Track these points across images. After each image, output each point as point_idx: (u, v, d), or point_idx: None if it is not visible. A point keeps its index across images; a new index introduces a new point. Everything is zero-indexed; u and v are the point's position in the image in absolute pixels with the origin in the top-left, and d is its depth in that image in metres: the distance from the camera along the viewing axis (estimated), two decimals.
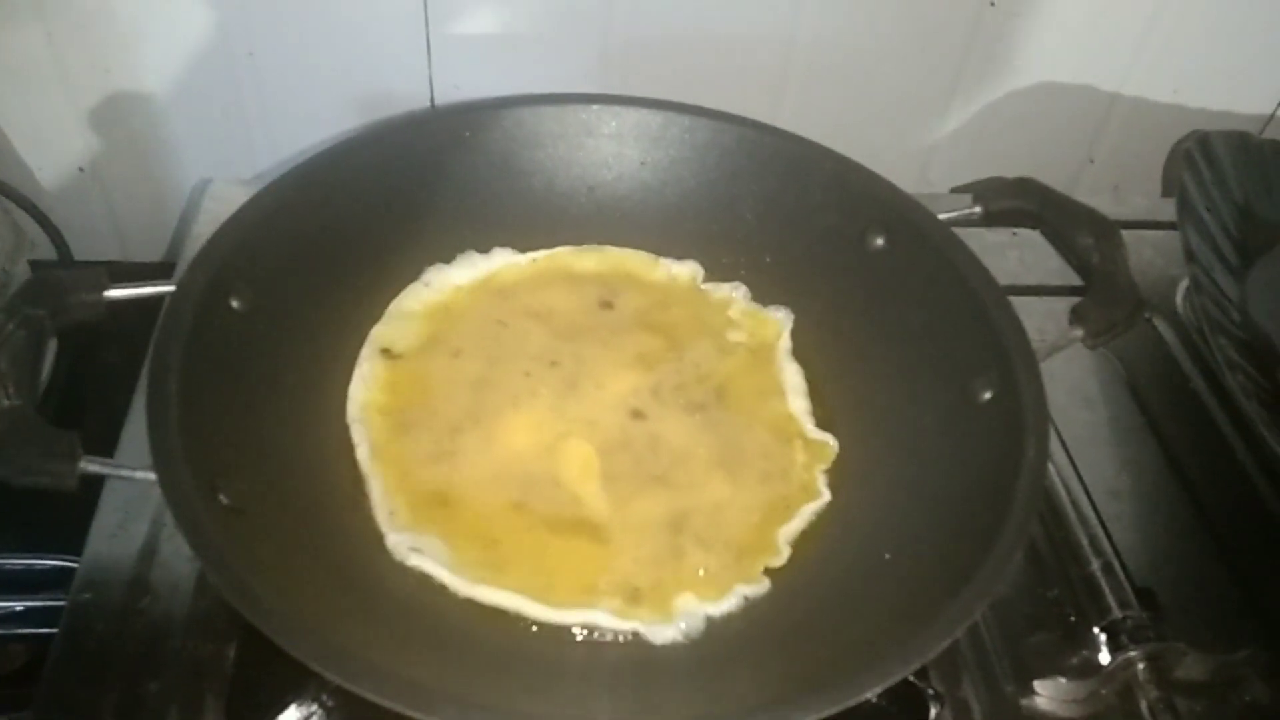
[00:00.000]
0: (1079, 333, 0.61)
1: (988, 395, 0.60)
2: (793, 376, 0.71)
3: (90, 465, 0.50)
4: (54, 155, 0.89)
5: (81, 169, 0.90)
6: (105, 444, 0.64)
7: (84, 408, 0.68)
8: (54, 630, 0.59)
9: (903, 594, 0.54)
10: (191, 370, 0.54)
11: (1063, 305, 0.83)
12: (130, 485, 0.63)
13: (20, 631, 0.67)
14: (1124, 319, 0.60)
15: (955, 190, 0.96)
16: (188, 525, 0.48)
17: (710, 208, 0.75)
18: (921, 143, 0.97)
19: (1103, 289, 0.62)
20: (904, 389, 0.65)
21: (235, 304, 0.60)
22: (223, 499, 0.51)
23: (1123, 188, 1.01)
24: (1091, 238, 0.63)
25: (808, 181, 0.72)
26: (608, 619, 0.57)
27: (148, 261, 0.97)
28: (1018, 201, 0.67)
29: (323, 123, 0.88)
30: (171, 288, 0.58)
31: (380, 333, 0.70)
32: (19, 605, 0.67)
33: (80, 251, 0.94)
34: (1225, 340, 0.71)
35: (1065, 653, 0.63)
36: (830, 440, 0.67)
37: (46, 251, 0.91)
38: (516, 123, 0.73)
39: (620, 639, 0.57)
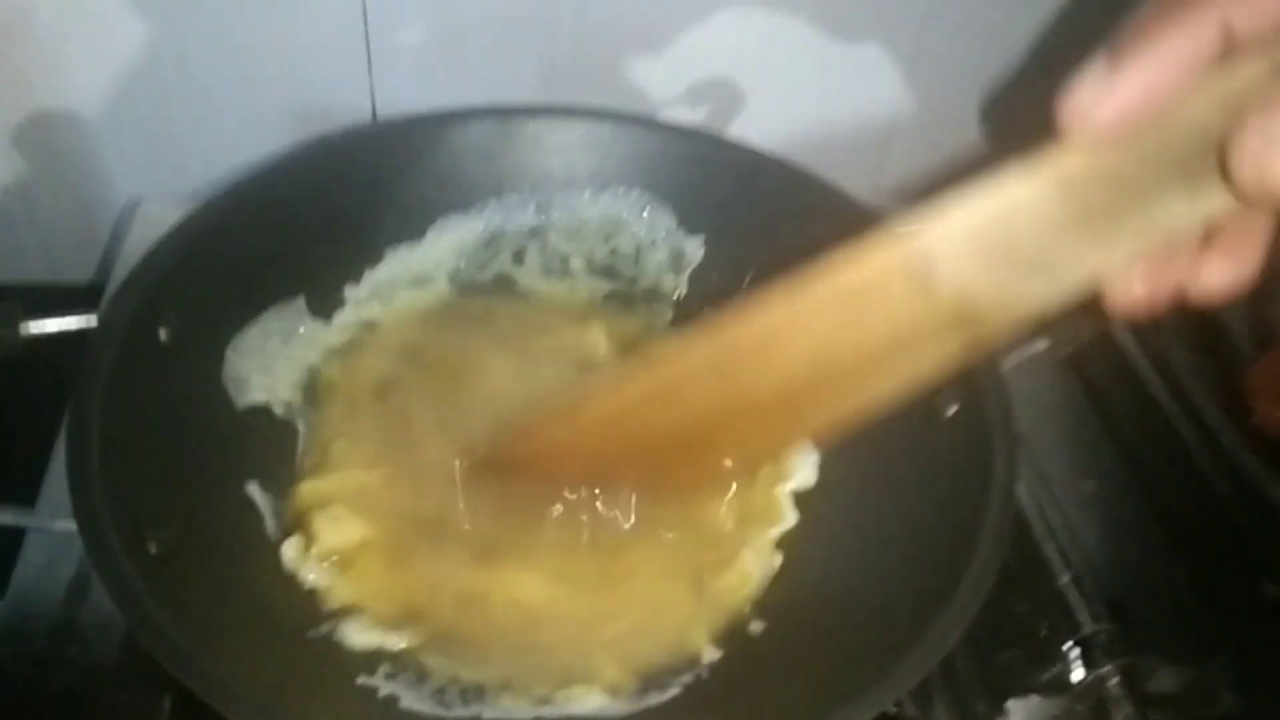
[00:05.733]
0: (1043, 343, 0.59)
1: (953, 409, 0.58)
2: None
3: (3, 517, 0.46)
4: None
5: (6, 189, 0.86)
6: (28, 486, 0.60)
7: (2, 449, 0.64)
8: None
9: (876, 623, 0.52)
10: (115, 411, 0.51)
11: None
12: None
13: None
14: (1089, 329, 0.58)
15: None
16: (112, 581, 0.44)
17: None
18: (875, 147, 0.95)
19: None
20: None
21: (164, 335, 0.57)
22: (151, 548, 0.48)
23: None
24: None
25: (761, 193, 0.70)
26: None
27: (77, 283, 0.93)
28: None
29: (259, 138, 0.85)
30: (93, 319, 0.55)
31: None
32: None
33: (5, 273, 0.90)
34: (1183, 343, 0.71)
35: (1037, 670, 0.62)
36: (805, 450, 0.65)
37: None
38: (461, 137, 0.71)
39: None
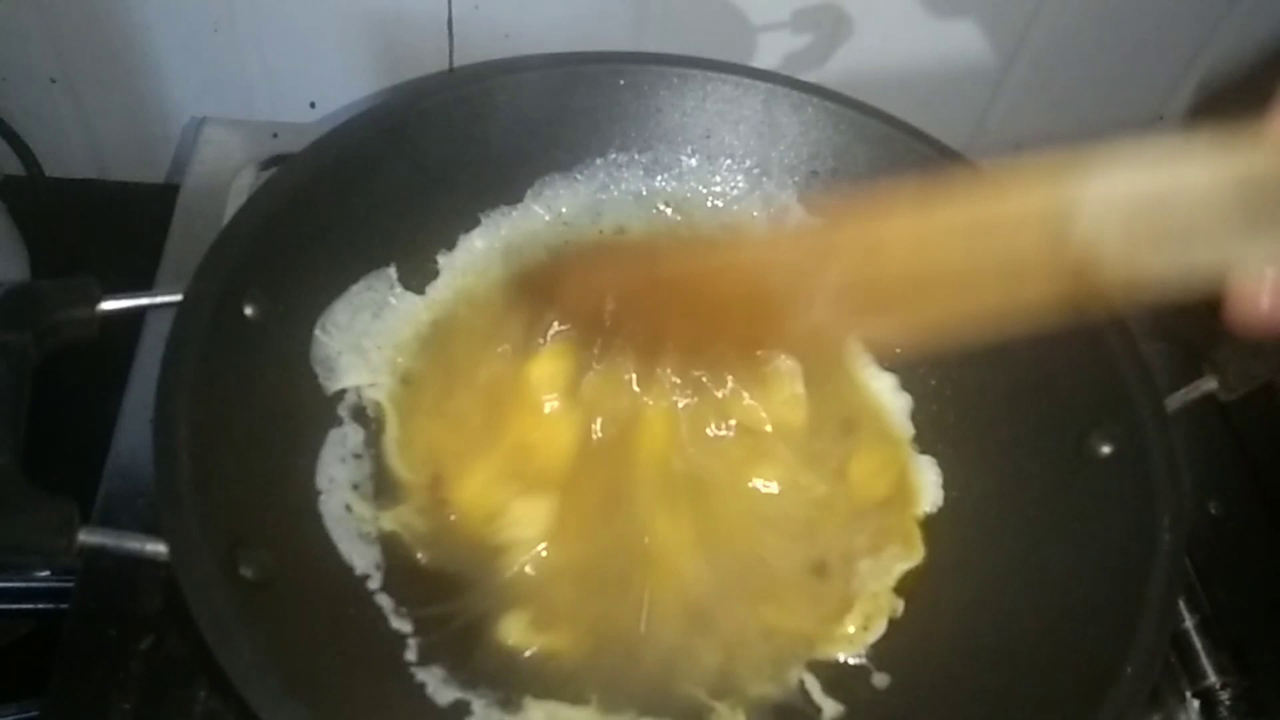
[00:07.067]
0: (1213, 384, 0.54)
1: (1107, 450, 0.53)
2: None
3: (90, 537, 0.42)
4: (18, 62, 0.79)
5: (53, 80, 0.81)
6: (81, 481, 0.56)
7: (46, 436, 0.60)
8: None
9: (1020, 694, 0.48)
10: (204, 408, 0.46)
11: None
12: None
13: (26, 607, 0.61)
14: (1268, 370, 0.53)
15: None
16: (207, 619, 0.40)
17: None
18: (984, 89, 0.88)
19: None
20: (1009, 430, 0.58)
21: (250, 312, 0.52)
22: (245, 572, 0.44)
23: None
24: None
25: (897, 169, 0.64)
26: None
27: (133, 182, 0.88)
28: None
29: (325, 40, 0.79)
30: (175, 298, 0.49)
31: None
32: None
33: (53, 168, 0.85)
34: None
35: (1146, 711, 0.58)
36: (927, 467, 0.60)
37: (14, 167, 0.83)
38: (564, 84, 0.64)
39: None
